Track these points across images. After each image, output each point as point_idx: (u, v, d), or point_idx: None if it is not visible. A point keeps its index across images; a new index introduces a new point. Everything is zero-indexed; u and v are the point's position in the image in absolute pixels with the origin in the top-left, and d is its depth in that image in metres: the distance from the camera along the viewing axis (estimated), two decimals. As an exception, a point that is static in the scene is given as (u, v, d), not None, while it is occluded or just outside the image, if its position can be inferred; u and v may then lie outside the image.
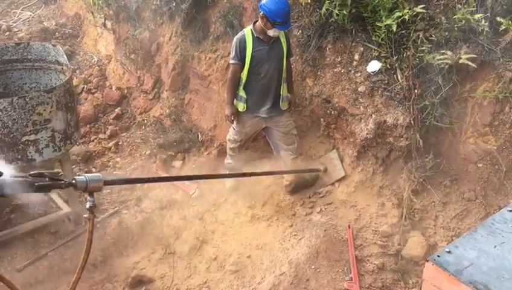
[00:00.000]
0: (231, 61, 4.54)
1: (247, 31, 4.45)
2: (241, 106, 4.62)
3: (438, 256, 1.93)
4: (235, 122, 4.72)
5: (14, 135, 3.95)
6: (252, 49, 4.41)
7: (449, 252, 1.95)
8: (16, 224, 4.58)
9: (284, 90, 4.62)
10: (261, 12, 4.24)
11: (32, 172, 2.11)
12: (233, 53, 4.48)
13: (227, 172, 5.05)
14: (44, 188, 2.16)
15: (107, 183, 2.42)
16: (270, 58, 4.45)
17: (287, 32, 4.57)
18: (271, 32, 4.31)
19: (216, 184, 5.14)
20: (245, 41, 4.41)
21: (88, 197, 2.32)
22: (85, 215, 2.36)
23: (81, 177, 2.26)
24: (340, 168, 4.71)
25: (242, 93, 4.59)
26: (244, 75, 4.51)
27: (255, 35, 4.41)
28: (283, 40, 4.49)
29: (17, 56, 4.90)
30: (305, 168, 4.84)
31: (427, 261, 1.94)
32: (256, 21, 4.43)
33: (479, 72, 3.98)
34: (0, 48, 4.86)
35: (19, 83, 5.02)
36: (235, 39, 4.49)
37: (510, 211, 2.20)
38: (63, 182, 2.20)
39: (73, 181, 2.24)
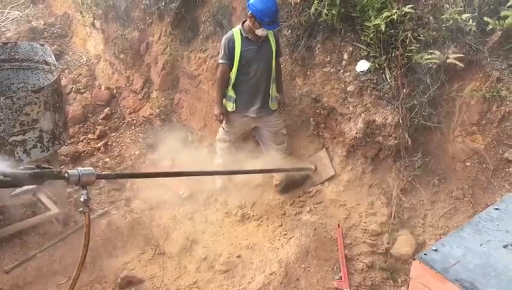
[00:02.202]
0: (220, 61, 4.54)
1: (236, 31, 4.44)
2: (230, 106, 4.61)
3: (425, 254, 1.94)
4: (224, 122, 4.72)
5: (1, 135, 3.91)
6: (241, 48, 4.40)
7: (436, 250, 1.95)
8: (4, 225, 4.53)
9: (273, 90, 4.62)
10: (249, 12, 4.24)
11: (24, 165, 2.12)
12: (222, 53, 4.48)
13: (217, 172, 5.04)
14: (37, 178, 2.15)
15: (100, 177, 2.41)
16: (259, 58, 4.45)
17: (276, 32, 4.57)
18: (259, 32, 4.31)
19: (205, 184, 5.13)
20: (233, 41, 4.40)
21: (82, 191, 2.31)
22: (80, 209, 2.35)
23: (74, 171, 2.26)
24: (329, 167, 4.72)
25: (231, 93, 4.58)
26: (233, 74, 4.51)
27: (244, 35, 4.41)
28: (272, 39, 4.49)
29: (4, 56, 4.86)
30: (295, 167, 4.85)
31: (414, 259, 1.94)
32: (245, 21, 4.43)
33: (466, 72, 4.00)
34: (-13, 47, 4.82)
35: (6, 83, 4.98)
36: (223, 39, 4.49)
37: (496, 209, 2.22)
38: (55, 170, 2.19)
39: (66, 174, 2.23)
